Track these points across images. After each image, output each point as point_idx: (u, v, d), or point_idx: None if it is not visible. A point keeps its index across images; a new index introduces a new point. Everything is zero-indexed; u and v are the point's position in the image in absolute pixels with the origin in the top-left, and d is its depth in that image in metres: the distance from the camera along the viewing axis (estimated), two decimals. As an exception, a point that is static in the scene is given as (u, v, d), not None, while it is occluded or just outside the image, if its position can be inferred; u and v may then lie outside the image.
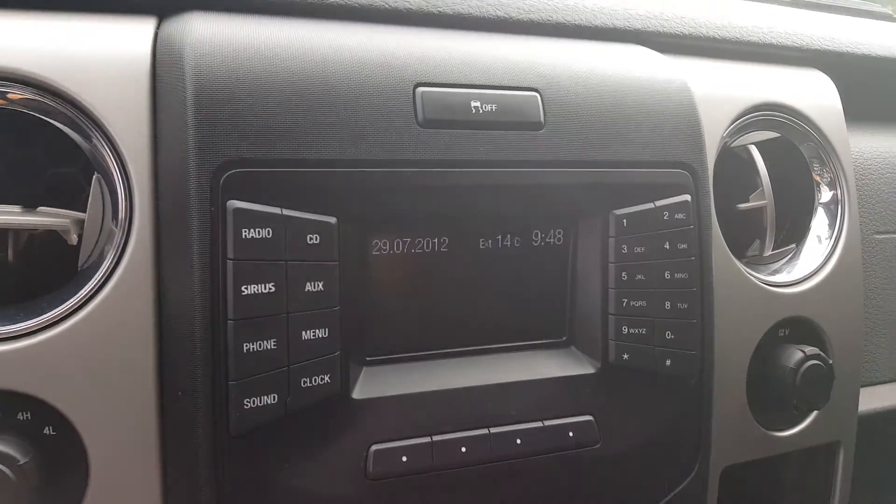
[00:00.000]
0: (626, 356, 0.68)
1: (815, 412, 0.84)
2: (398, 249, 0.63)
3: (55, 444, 0.54)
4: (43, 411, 0.54)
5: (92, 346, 0.54)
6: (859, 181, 0.95)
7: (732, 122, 0.80)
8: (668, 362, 0.69)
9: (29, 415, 0.54)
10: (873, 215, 0.96)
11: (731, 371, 0.77)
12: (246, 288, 0.54)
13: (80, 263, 0.57)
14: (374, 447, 0.60)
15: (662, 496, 0.72)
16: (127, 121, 0.56)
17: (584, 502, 0.69)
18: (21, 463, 0.51)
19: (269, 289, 0.55)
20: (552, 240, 0.69)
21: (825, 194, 0.87)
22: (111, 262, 0.55)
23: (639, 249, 0.68)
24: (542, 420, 0.65)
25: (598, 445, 0.67)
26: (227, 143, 0.54)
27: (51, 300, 0.55)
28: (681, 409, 0.72)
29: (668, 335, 0.69)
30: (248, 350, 0.54)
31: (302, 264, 0.56)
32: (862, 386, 0.94)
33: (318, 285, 0.57)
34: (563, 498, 0.67)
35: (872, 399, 0.95)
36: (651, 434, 0.70)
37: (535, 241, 0.68)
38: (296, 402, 0.56)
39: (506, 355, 0.68)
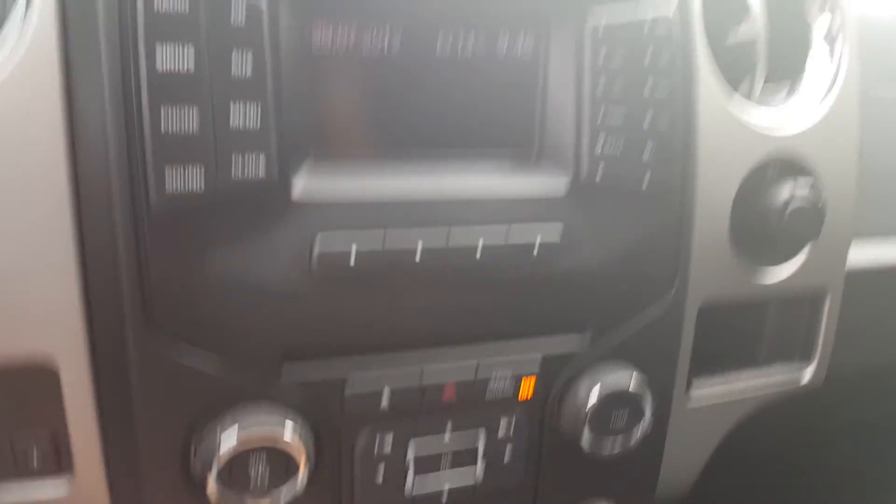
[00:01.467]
0: (600, 173, 0.62)
1: (803, 256, 0.80)
2: (343, 40, 0.56)
3: None
4: None
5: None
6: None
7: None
8: (645, 181, 0.63)
9: None
10: (875, 71, 0.89)
11: (713, 203, 0.71)
12: (162, 65, 0.48)
13: None
14: (318, 241, 0.56)
15: (632, 314, 0.68)
16: None
17: (547, 317, 0.65)
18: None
19: (188, 68, 0.48)
20: (520, 51, 0.62)
21: (822, 24, 0.79)
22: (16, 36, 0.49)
23: (618, 60, 0.61)
24: (506, 235, 0.61)
25: (565, 260, 0.63)
26: None
27: None
28: (657, 232, 0.67)
29: (647, 153, 0.63)
30: (166, 130, 0.49)
31: (225, 45, 0.49)
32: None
33: (247, 71, 0.50)
34: (522, 313, 0.64)
35: (860, 253, 0.90)
36: (623, 254, 0.66)
37: (502, 52, 0.61)
38: (225, 189, 0.51)
39: (471, 169, 0.63)
